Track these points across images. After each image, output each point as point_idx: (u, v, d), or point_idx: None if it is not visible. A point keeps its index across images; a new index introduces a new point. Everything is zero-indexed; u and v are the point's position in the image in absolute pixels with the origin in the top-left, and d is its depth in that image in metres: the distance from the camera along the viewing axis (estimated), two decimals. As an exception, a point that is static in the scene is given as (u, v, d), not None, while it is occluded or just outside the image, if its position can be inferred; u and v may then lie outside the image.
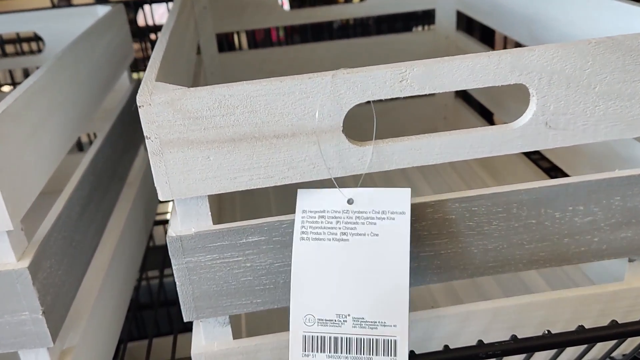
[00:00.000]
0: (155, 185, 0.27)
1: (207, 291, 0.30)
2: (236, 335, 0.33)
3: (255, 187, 0.28)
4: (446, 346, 0.28)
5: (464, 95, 0.68)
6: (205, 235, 0.28)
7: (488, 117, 0.70)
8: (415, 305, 0.40)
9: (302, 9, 0.62)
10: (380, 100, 0.73)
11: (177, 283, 0.29)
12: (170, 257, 0.29)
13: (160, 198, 0.27)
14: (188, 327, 0.63)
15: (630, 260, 0.34)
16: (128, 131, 0.51)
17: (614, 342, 0.31)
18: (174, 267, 0.29)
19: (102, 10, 0.56)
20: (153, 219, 0.58)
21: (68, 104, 0.38)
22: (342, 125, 0.27)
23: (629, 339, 0.31)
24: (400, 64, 0.26)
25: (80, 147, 0.73)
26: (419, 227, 0.30)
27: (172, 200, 0.28)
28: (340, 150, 0.27)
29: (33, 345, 0.29)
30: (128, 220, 0.46)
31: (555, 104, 0.28)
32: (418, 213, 0.30)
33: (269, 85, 0.25)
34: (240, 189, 0.28)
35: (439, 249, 0.31)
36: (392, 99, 0.70)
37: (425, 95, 0.70)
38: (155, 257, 0.59)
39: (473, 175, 0.58)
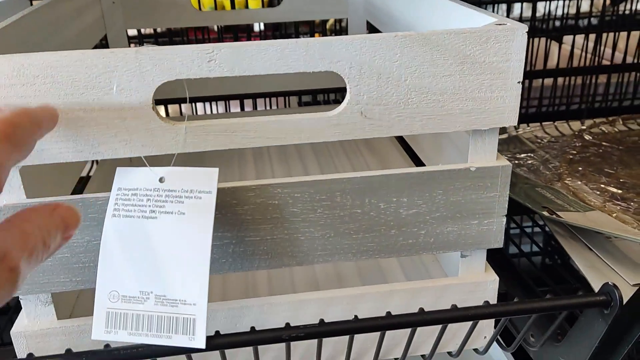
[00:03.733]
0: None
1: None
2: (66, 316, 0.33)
3: (65, 161, 0.28)
4: (252, 327, 0.28)
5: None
6: (16, 208, 0.28)
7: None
8: (273, 286, 0.40)
9: (214, 11, 0.63)
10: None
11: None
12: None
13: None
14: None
15: (462, 256, 0.34)
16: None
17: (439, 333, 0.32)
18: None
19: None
20: None
21: None
22: (151, 102, 0.27)
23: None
24: (208, 45, 0.27)
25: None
26: (241, 211, 0.30)
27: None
28: (151, 128, 0.27)
29: None
30: None
31: (368, 94, 0.29)
32: (240, 197, 0.30)
33: (70, 56, 0.25)
34: (50, 162, 0.28)
35: (264, 235, 0.31)
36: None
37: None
38: None
39: (360, 158, 0.59)
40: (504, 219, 0.33)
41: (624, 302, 0.30)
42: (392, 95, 0.29)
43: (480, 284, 0.34)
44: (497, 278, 0.34)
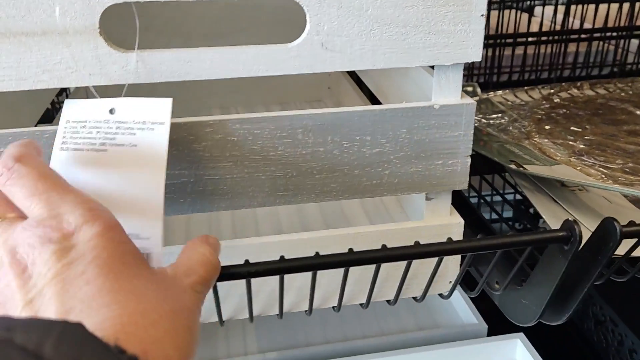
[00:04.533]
0: None
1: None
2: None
3: (7, 90, 0.26)
4: (246, 260, 0.28)
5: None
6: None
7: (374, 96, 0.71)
8: (237, 233, 0.39)
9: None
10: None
11: None
12: None
13: None
14: None
15: (427, 199, 0.34)
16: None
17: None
18: None
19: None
20: None
21: None
22: (97, 27, 0.26)
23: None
24: (158, -35, 0.25)
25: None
26: (199, 148, 0.29)
27: None
28: (98, 55, 0.26)
29: None
30: None
31: (329, 24, 0.28)
32: (197, 132, 0.29)
33: (8, -27, 0.24)
34: (-8, 90, 0.26)
35: (224, 173, 0.30)
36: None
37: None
38: None
39: (322, 106, 0.59)
40: (469, 160, 0.33)
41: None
42: (354, 26, 0.28)
43: (446, 227, 0.34)
44: (463, 221, 0.34)
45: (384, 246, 0.29)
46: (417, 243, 0.29)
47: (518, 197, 0.67)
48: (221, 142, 0.29)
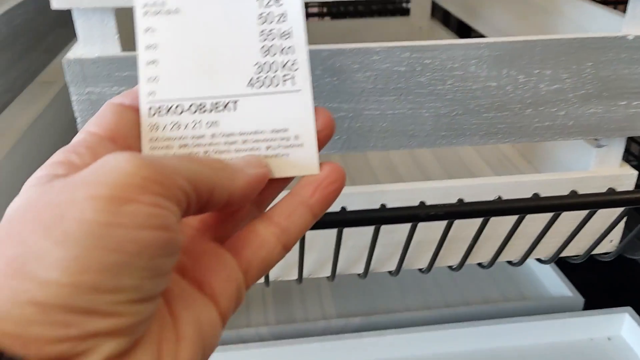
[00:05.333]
0: (49, -13, 0.23)
1: (114, 133, 0.26)
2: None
3: (170, 3, 0.23)
4: (383, 205, 0.25)
5: (442, 18, 0.64)
6: (111, 61, 0.24)
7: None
8: (354, 179, 0.37)
9: None
10: (352, 17, 0.68)
11: (77, 119, 0.25)
12: (69, 86, 0.24)
13: (54, 5, 0.23)
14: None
15: (598, 147, 0.30)
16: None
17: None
18: (72, 99, 0.25)
19: None
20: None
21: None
22: None
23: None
24: None
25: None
26: (362, 78, 0.26)
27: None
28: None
29: None
30: (41, 120, 0.40)
31: None
32: (362, 60, 0.26)
33: None
34: (152, 4, 0.23)
35: (385, 108, 0.27)
36: (362, 17, 0.65)
37: (399, 14, 0.66)
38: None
39: None
40: (655, 102, 0.29)
41: None
42: None
43: (616, 179, 0.30)
44: (636, 173, 0.31)
45: (573, 192, 0.26)
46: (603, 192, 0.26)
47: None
48: (386, 73, 0.26)
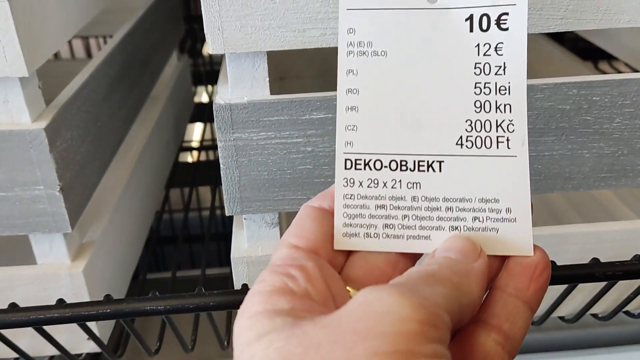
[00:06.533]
0: (205, 32, 0.21)
1: (257, 179, 0.24)
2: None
3: (328, 46, 0.22)
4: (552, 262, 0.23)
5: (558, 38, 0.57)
6: (261, 106, 0.23)
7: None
8: None
9: None
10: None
11: (221, 166, 0.24)
12: (217, 131, 0.23)
13: (210, 50, 0.22)
14: (210, 264, 0.58)
15: None
16: (164, 24, 0.45)
17: None
18: (219, 145, 0.24)
19: None
20: (181, 140, 0.53)
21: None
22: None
23: None
24: None
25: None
26: (523, 118, 0.24)
27: (224, 59, 0.23)
28: None
29: (48, 228, 0.25)
30: (155, 129, 0.41)
31: None
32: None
33: None
34: (310, 46, 0.22)
35: (542, 149, 0.25)
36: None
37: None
38: (176, 191, 0.54)
39: None
40: None
41: None
42: None
43: None
44: None
45: None
46: None
47: None
48: (549, 111, 0.24)
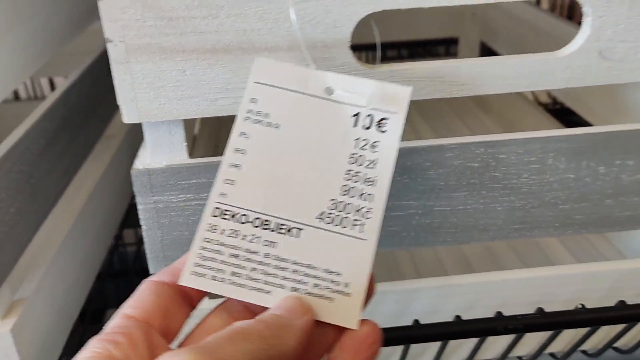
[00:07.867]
0: (119, 103, 0.22)
1: (179, 238, 0.25)
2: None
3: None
4: (457, 316, 0.24)
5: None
6: (178, 170, 0.24)
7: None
8: (422, 273, 0.35)
9: None
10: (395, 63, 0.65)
11: (142, 227, 0.25)
12: (136, 195, 0.24)
13: (125, 120, 0.22)
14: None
15: (680, 232, 0.29)
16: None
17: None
18: (139, 208, 0.24)
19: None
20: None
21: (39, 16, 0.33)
22: (349, 40, 0.22)
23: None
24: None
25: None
26: (434, 176, 0.25)
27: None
28: (344, 72, 0.22)
29: (-28, 290, 0.25)
30: (109, 169, 0.41)
31: (614, 28, 0.23)
32: (435, 158, 0.25)
33: (260, -21, 0.20)
34: (222, 114, 0.23)
35: (456, 204, 0.26)
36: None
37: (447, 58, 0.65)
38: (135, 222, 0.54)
39: (476, 120, 0.53)
40: None
41: None
42: (643, 29, 0.23)
43: (701, 266, 0.29)
44: None
45: (664, 299, 0.24)
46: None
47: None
48: (460, 169, 0.25)
